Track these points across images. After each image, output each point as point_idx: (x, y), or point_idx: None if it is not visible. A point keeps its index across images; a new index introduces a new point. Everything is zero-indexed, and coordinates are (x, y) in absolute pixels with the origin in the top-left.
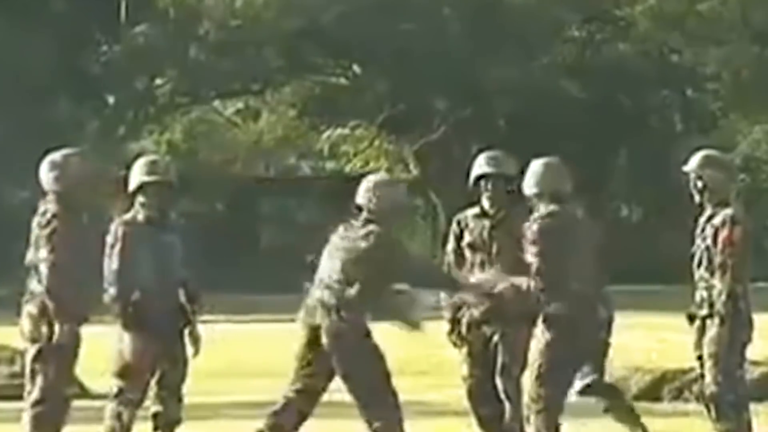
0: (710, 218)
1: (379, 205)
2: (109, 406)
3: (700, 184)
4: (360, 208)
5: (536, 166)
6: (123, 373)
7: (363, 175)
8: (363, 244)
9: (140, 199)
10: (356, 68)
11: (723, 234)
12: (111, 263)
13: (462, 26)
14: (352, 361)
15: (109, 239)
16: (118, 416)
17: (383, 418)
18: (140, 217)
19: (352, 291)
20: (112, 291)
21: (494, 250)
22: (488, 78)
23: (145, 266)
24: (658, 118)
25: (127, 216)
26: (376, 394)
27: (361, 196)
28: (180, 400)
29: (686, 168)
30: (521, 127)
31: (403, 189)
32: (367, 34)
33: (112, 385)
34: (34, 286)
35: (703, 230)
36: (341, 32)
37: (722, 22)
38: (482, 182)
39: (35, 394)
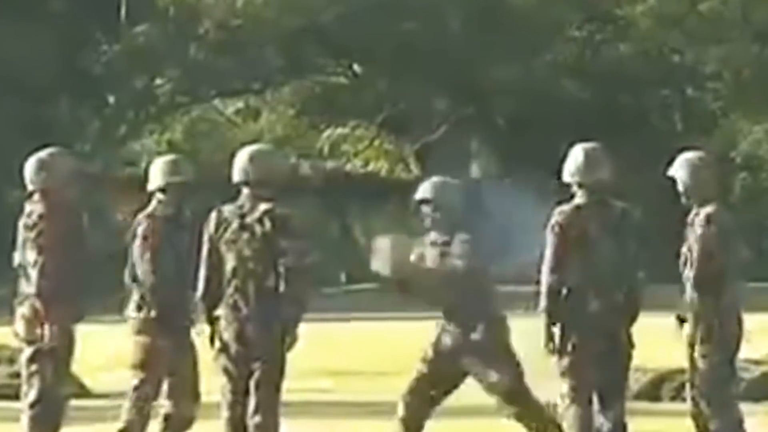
0: (694, 218)
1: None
2: (129, 400)
3: (679, 186)
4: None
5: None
6: (142, 365)
7: (367, 174)
8: None
9: (160, 196)
10: (356, 68)
11: (698, 233)
12: (145, 256)
13: (462, 26)
14: None
15: (140, 233)
16: (140, 410)
17: None
18: (158, 213)
19: None
20: (148, 283)
21: None
22: (488, 78)
23: (167, 262)
24: (659, 118)
25: (149, 211)
26: None
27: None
28: (197, 398)
29: (669, 172)
30: (521, 127)
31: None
32: (368, 34)
33: (132, 378)
34: (25, 287)
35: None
36: (341, 32)
37: (723, 21)
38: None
39: (32, 395)
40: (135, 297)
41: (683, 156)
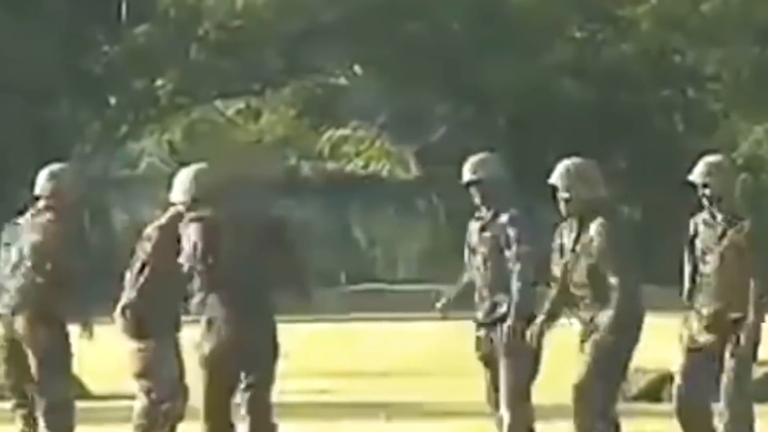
0: (722, 223)
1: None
2: (139, 406)
3: (708, 192)
4: None
5: None
6: (146, 372)
7: (367, 176)
8: None
9: (179, 207)
10: (357, 69)
11: (743, 243)
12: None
13: (462, 26)
14: None
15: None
16: (147, 415)
17: None
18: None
19: None
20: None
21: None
22: (489, 78)
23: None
24: (660, 119)
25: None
26: None
27: None
28: (187, 396)
29: (692, 178)
30: (522, 127)
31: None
32: (368, 35)
33: (140, 385)
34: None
35: (721, 237)
36: (341, 32)
37: (724, 22)
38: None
39: (46, 400)
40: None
41: (710, 162)
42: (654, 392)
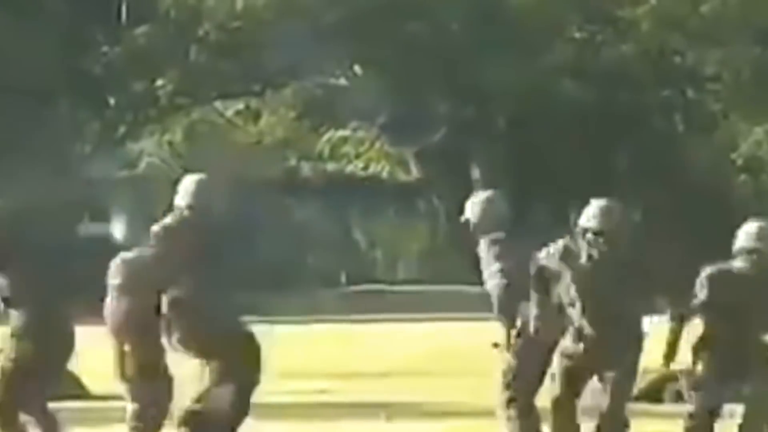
0: None
1: None
2: (131, 409)
3: (756, 256)
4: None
5: None
6: (140, 374)
7: (367, 177)
8: None
9: (186, 212)
10: (357, 69)
11: None
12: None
13: (462, 26)
14: None
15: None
16: (139, 418)
17: None
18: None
19: None
20: None
21: None
22: (489, 79)
23: None
24: (659, 119)
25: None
26: None
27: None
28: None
29: (741, 243)
30: (522, 127)
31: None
32: (368, 35)
33: (128, 389)
34: None
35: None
36: (341, 32)
37: (723, 23)
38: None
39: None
40: None
41: (762, 226)
42: (655, 393)
